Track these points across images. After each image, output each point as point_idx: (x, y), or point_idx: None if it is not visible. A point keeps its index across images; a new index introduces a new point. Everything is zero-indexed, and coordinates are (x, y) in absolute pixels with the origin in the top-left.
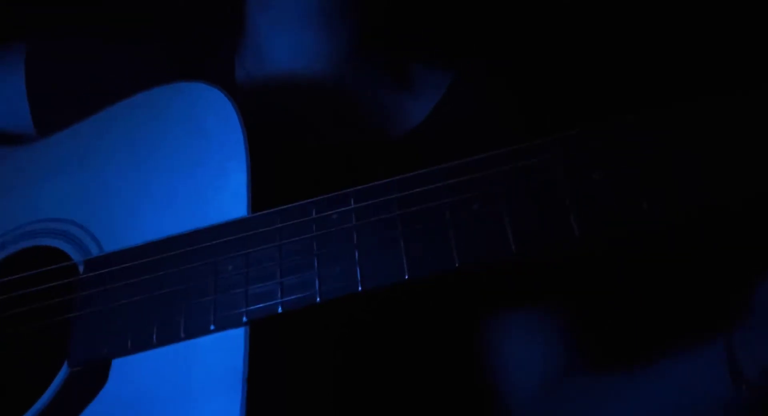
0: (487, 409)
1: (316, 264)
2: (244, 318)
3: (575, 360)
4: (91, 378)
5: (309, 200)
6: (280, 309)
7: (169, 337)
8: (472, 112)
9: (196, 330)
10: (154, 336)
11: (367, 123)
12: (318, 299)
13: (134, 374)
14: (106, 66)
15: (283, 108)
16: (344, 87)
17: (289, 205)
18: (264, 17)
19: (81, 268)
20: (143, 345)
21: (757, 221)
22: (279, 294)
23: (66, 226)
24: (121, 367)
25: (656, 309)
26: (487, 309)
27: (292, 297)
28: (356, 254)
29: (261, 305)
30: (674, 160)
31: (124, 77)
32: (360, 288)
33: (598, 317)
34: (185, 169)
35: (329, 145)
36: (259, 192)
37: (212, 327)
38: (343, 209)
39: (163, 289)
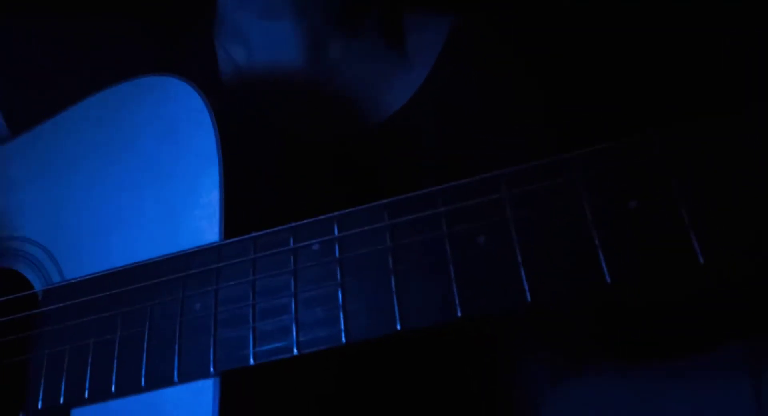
0: None
1: (293, 307)
2: (212, 370)
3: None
4: None
5: (287, 226)
6: (252, 361)
7: (128, 387)
8: (467, 75)
9: (159, 380)
10: (113, 386)
11: (358, 108)
12: (296, 351)
13: None
14: (79, 48)
15: (265, 104)
16: (332, 72)
17: (264, 232)
18: (236, 10)
19: (40, 298)
20: (101, 394)
21: None
22: (251, 343)
23: (26, 246)
24: None
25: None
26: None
27: (266, 347)
28: (339, 296)
29: (231, 354)
30: (731, 185)
31: (98, 58)
32: (344, 340)
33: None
34: (154, 180)
35: (315, 142)
36: (234, 209)
37: (176, 379)
38: (325, 239)
39: (123, 331)
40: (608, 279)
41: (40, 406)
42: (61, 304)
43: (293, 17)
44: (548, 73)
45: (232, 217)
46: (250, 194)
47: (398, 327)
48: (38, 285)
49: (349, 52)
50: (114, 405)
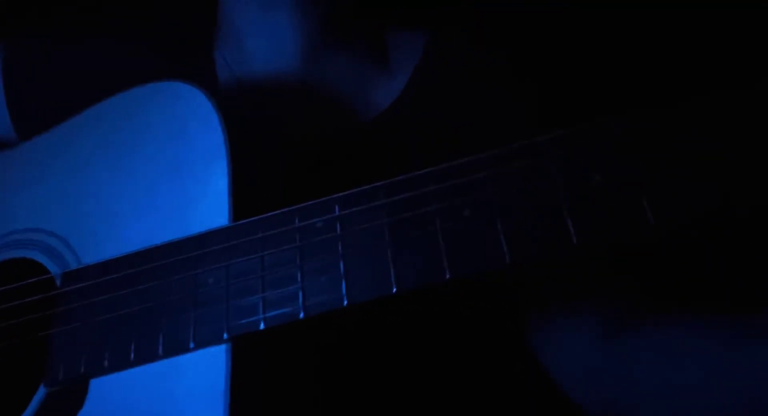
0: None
1: (299, 277)
2: (225, 335)
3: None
4: (69, 400)
5: (292, 207)
6: (262, 326)
7: (147, 355)
8: (449, 76)
9: (175, 348)
10: (132, 355)
11: (348, 107)
12: (302, 314)
13: (112, 395)
14: (84, 61)
15: (265, 104)
16: (321, 76)
17: (272, 213)
18: (236, 3)
19: (58, 282)
20: (121, 363)
21: None
22: (261, 310)
23: (43, 237)
24: (99, 388)
25: None
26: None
27: (275, 312)
28: (341, 266)
29: (242, 321)
30: (677, 161)
31: (103, 71)
32: (345, 303)
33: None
34: (165, 174)
35: (311, 137)
36: (241, 197)
37: (192, 345)
38: (327, 217)
39: (141, 305)
40: (574, 241)
41: (60, 377)
42: (80, 285)
43: (291, 12)
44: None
45: (240, 203)
46: (256, 183)
47: (394, 289)
48: (55, 270)
49: (337, 58)
50: (131, 372)
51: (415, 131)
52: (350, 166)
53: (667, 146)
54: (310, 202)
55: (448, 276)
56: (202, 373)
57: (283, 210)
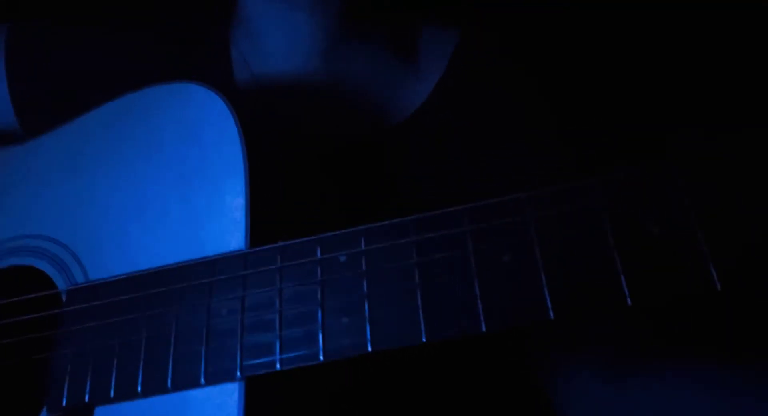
0: None
1: (320, 315)
2: (238, 374)
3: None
4: None
5: (314, 237)
6: (278, 367)
7: (155, 388)
8: (477, 83)
9: (185, 382)
10: (139, 386)
11: (372, 109)
12: (321, 358)
13: None
14: (93, 55)
15: (285, 108)
16: (344, 76)
17: (292, 242)
18: (254, 1)
19: (64, 297)
20: (127, 394)
21: None
22: (278, 349)
23: (50, 245)
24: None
25: None
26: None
27: (292, 354)
28: (366, 307)
29: (257, 361)
30: (736, 205)
31: (113, 65)
32: (370, 349)
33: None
34: (177, 185)
35: (332, 143)
36: (259, 215)
37: (202, 381)
38: (352, 251)
39: (150, 332)
40: (629, 302)
41: (64, 404)
42: (87, 305)
43: (310, 9)
44: (555, 84)
45: (258, 222)
46: (275, 199)
47: (423, 339)
48: (61, 284)
49: (361, 55)
50: (139, 403)
51: (442, 138)
52: (373, 175)
53: (725, 190)
54: (334, 233)
55: (483, 328)
56: (214, 410)
57: (303, 239)
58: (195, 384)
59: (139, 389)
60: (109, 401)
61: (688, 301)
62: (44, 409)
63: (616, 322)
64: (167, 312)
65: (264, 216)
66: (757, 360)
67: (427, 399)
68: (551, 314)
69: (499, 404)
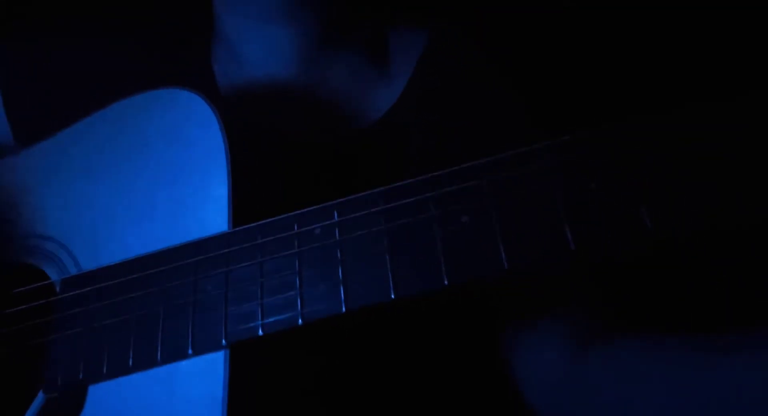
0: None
1: (297, 283)
2: (224, 342)
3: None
4: (67, 406)
5: (291, 213)
6: (260, 332)
7: (145, 362)
8: (449, 77)
9: (174, 354)
10: (130, 361)
11: (348, 111)
12: (300, 321)
13: (111, 401)
14: (83, 63)
15: (264, 110)
16: (320, 81)
17: (271, 219)
18: (231, 15)
19: (58, 288)
20: (119, 370)
21: None
22: (260, 316)
23: (44, 243)
24: (97, 394)
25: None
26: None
27: (273, 318)
28: (340, 272)
29: (240, 327)
30: (676, 167)
31: (101, 73)
32: (344, 309)
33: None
34: (165, 180)
35: (311, 143)
36: (241, 204)
37: (190, 352)
38: (326, 223)
39: (140, 311)
40: (572, 247)
41: (59, 383)
42: (79, 291)
43: (287, 22)
44: (526, 80)
45: (240, 210)
46: (256, 189)
47: (392, 296)
48: (56, 278)
49: (336, 63)
50: (128, 382)
51: (415, 134)
52: (350, 171)
53: (665, 152)
54: (309, 208)
55: (446, 282)
56: (201, 380)
57: (282, 216)
58: (183, 355)
59: (131, 363)
60: (102, 377)
61: (641, 277)
62: (41, 392)
63: (578, 300)
64: (156, 291)
65: (246, 204)
66: (704, 329)
67: (409, 369)
68: (505, 265)
69: (461, 382)
